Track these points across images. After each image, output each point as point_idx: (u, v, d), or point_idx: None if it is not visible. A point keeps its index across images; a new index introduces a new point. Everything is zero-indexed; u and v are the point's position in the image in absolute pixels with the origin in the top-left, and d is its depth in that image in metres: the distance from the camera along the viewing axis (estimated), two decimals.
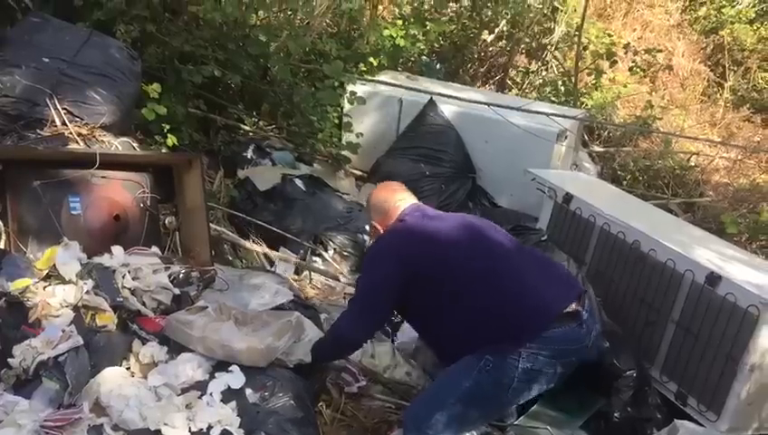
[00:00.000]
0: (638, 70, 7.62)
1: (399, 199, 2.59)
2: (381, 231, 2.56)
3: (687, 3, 9.78)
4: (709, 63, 9.30)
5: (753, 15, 9.42)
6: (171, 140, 4.17)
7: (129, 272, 2.71)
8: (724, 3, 9.53)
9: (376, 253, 2.49)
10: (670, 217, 4.18)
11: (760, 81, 9.19)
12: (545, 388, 2.43)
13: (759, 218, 5.34)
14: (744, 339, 2.79)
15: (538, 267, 2.49)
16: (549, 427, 2.89)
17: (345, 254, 4.23)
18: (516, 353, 2.30)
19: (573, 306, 2.38)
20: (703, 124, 8.34)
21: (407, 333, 3.27)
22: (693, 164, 7.00)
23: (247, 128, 5.26)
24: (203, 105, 4.92)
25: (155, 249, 3.00)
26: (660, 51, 8.33)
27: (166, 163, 3.34)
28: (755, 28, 9.27)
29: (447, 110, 5.09)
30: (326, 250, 4.22)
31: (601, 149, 6.77)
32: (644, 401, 2.97)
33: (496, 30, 7.63)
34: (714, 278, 2.93)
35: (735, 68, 9.26)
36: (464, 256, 2.39)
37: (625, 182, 6.39)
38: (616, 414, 2.95)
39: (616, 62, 7.31)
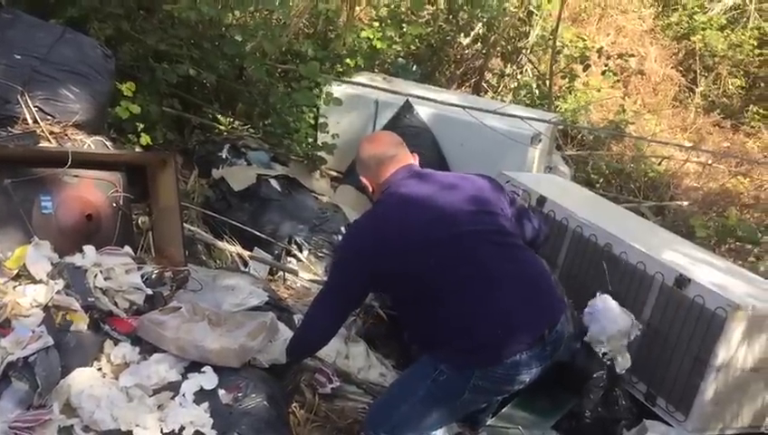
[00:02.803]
0: (611, 74, 7.73)
1: (390, 157, 2.42)
2: (371, 189, 2.46)
3: (660, 9, 9.94)
4: (681, 69, 9.46)
5: (724, 22, 9.59)
6: (145, 139, 4.13)
7: (101, 272, 2.68)
8: (695, 9, 9.70)
9: (347, 246, 2.43)
10: (642, 221, 4.24)
11: (730, 86, 9.38)
12: (500, 399, 2.44)
13: (727, 222, 5.43)
14: (712, 341, 2.84)
15: (524, 280, 2.32)
16: (520, 427, 2.92)
17: (320, 255, 4.22)
18: (470, 371, 2.23)
19: (546, 331, 2.29)
20: (674, 129, 8.49)
21: None
22: (664, 168, 7.11)
23: (222, 127, 5.24)
24: (177, 104, 4.88)
25: (127, 249, 2.97)
26: (633, 56, 8.46)
27: (139, 162, 3.31)
28: (726, 35, 9.45)
29: (423, 112, 5.11)
30: (301, 251, 4.21)
31: (575, 153, 6.85)
32: (614, 401, 3.01)
33: (472, 33, 7.69)
34: (683, 280, 2.98)
35: (706, 74, 9.43)
36: (442, 260, 2.24)
37: (598, 185, 6.46)
38: (587, 414, 2.99)
39: (589, 66, 7.42)
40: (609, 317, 3.01)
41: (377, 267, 2.27)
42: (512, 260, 2.33)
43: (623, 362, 3.00)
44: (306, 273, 4.07)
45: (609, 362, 2.99)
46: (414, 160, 2.49)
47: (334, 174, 5.47)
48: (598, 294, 3.09)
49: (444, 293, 2.24)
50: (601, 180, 6.61)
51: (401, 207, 2.34)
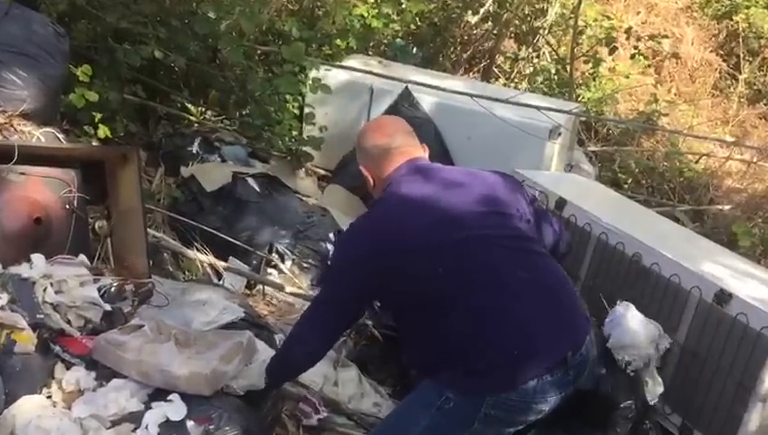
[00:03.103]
0: (642, 58, 7.73)
1: (396, 148, 2.43)
2: (371, 183, 2.45)
3: None
4: (721, 53, 9.48)
5: None
6: (103, 131, 4.12)
7: (51, 284, 2.67)
8: None
9: (341, 252, 2.41)
10: (676, 227, 4.25)
11: None
12: (512, 432, 2.42)
13: None
14: (757, 365, 2.83)
15: (545, 292, 2.30)
16: None
17: (305, 266, 4.22)
18: (481, 398, 2.21)
19: (570, 353, 2.28)
20: (714, 121, 8.51)
21: None
22: (702, 167, 7.13)
23: (193, 118, 5.23)
24: (141, 91, 4.88)
25: (82, 258, 2.97)
26: (666, 37, 8.46)
27: (97, 158, 3.31)
28: None
29: (425, 101, 5.12)
30: (283, 261, 4.21)
31: (600, 149, 6.86)
32: (644, 434, 3.02)
33: (482, 10, 7.70)
34: (723, 296, 2.98)
35: (751, 58, 9.43)
36: (448, 268, 2.24)
37: (626, 186, 6.48)
38: None
39: (616, 48, 7.41)
40: (631, 323, 3.02)
41: (375, 276, 2.26)
42: (530, 268, 2.32)
43: (654, 388, 3.00)
44: (289, 286, 4.07)
45: (632, 373, 2.98)
46: (423, 153, 2.50)
47: (322, 172, 5.47)
48: (619, 301, 3.10)
49: (451, 306, 2.23)
50: (630, 180, 6.63)
51: (402, 208, 2.33)
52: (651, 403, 3.01)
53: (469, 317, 2.22)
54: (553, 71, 7.81)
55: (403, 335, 2.50)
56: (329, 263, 2.51)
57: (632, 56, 7.66)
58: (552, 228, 2.61)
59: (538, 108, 4.81)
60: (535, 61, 8.05)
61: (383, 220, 2.34)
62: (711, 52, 9.39)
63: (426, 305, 2.26)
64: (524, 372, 2.20)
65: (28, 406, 2.29)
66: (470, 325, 2.22)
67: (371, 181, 2.47)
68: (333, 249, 2.45)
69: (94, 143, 4.07)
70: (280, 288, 4.02)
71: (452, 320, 2.23)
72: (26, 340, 2.49)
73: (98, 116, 4.16)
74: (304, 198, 4.75)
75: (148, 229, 3.57)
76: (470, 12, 7.75)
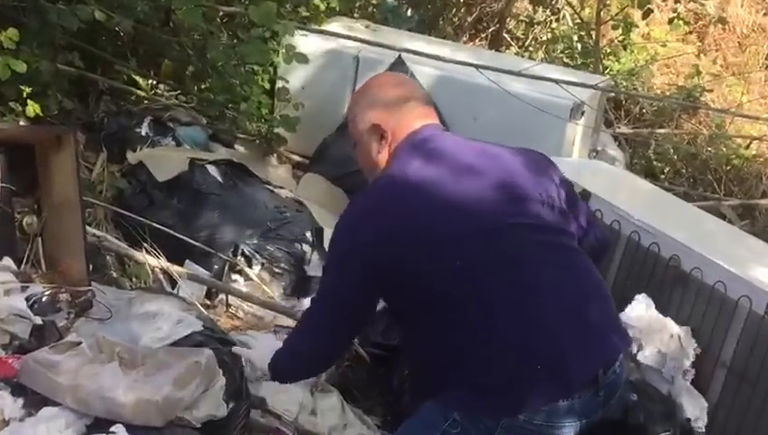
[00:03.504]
0: (681, 23, 7.75)
1: (415, 103, 2.42)
2: (385, 139, 2.38)
3: None
4: None
5: None
6: (33, 108, 4.12)
7: None
8: None
9: (343, 236, 2.35)
10: (722, 225, 4.27)
11: None
12: None
13: None
14: None
15: (578, 296, 2.30)
16: None
17: (277, 271, 4.23)
18: (494, 421, 2.20)
19: (601, 371, 2.28)
20: None
21: None
22: (753, 153, 7.15)
23: (142, 93, 5.23)
24: (78, 60, 4.86)
25: (7, 262, 2.96)
26: None
27: (25, 141, 3.30)
28: None
29: (421, 73, 5.11)
30: (250, 265, 4.22)
31: (631, 131, 6.88)
32: None
33: None
34: None
35: None
36: (464, 264, 2.22)
37: (662, 176, 6.50)
38: None
39: (651, 11, 7.41)
40: (644, 314, 3.10)
41: (381, 262, 2.24)
42: (562, 267, 2.31)
43: (692, 410, 3.03)
44: (258, 295, 4.07)
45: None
46: (438, 120, 2.49)
47: (297, 159, 5.47)
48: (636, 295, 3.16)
49: (465, 307, 2.22)
50: (667, 169, 6.65)
51: (415, 185, 2.29)
52: (692, 425, 3.04)
53: (487, 322, 2.21)
54: (575, 38, 7.83)
55: (405, 343, 2.50)
56: (324, 266, 2.48)
57: (670, 21, 7.67)
58: (588, 222, 2.58)
59: (557, 82, 4.82)
60: (554, 26, 8.07)
61: (392, 199, 2.30)
62: (764, 15, 9.42)
63: (435, 305, 2.25)
64: (549, 391, 2.19)
65: None
66: (487, 332, 2.20)
67: (387, 137, 2.39)
68: (331, 237, 2.39)
69: (22, 123, 4.06)
70: (246, 298, 4.02)
71: (466, 324, 2.21)
72: None
73: (26, 90, 4.15)
74: (276, 190, 4.73)
75: (88, 227, 3.56)
76: None
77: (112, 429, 2.38)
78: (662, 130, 7.10)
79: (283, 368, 2.52)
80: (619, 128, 6.81)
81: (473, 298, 2.21)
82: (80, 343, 2.62)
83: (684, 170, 6.75)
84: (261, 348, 2.66)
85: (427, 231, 2.22)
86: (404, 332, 2.48)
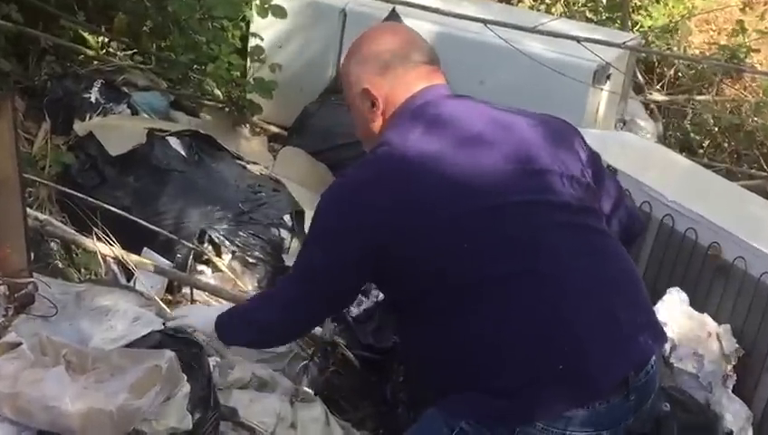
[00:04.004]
0: None
1: (415, 61, 2.44)
2: (376, 107, 2.41)
3: None
4: None
5: None
6: None
7: None
8: None
9: (332, 207, 2.35)
10: None
11: None
12: None
13: None
14: None
15: (607, 286, 2.30)
16: None
17: (251, 261, 4.24)
18: (507, 428, 2.22)
19: (632, 373, 2.29)
20: None
21: None
22: None
23: (91, 53, 5.24)
24: (17, 13, 4.86)
25: None
26: None
27: None
28: None
29: (420, 29, 5.02)
30: (219, 255, 4.24)
31: (665, 98, 6.89)
32: None
33: None
34: None
35: None
36: (475, 247, 2.23)
37: (701, 151, 6.51)
38: None
39: None
40: (677, 311, 3.12)
41: (378, 243, 2.25)
42: (588, 251, 2.32)
43: (734, 421, 3.06)
44: (228, 289, 4.08)
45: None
46: (444, 79, 2.52)
47: (274, 130, 5.49)
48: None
49: (473, 297, 2.23)
50: (706, 143, 6.66)
51: (416, 156, 2.30)
52: None
53: (498, 315, 2.22)
54: None
55: (404, 340, 2.53)
56: (307, 234, 2.47)
57: None
58: (618, 201, 2.60)
59: (578, 40, 4.82)
60: None
61: (390, 172, 2.31)
62: None
63: (438, 295, 2.26)
64: (570, 395, 2.22)
65: None
66: (499, 326, 2.22)
67: (378, 105, 2.42)
68: (317, 208, 2.37)
69: None
70: (215, 292, 4.03)
71: (474, 318, 2.23)
72: None
73: None
74: (249, 167, 4.76)
75: (29, 209, 3.56)
76: None
77: None
78: (701, 97, 7.12)
79: (234, 331, 2.58)
80: (651, 94, 6.82)
81: (481, 287, 2.23)
82: (20, 343, 2.62)
83: (725, 144, 6.77)
84: (199, 313, 2.79)
85: (430, 209, 2.23)
86: (403, 327, 2.51)
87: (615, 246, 2.40)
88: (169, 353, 2.63)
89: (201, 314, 2.77)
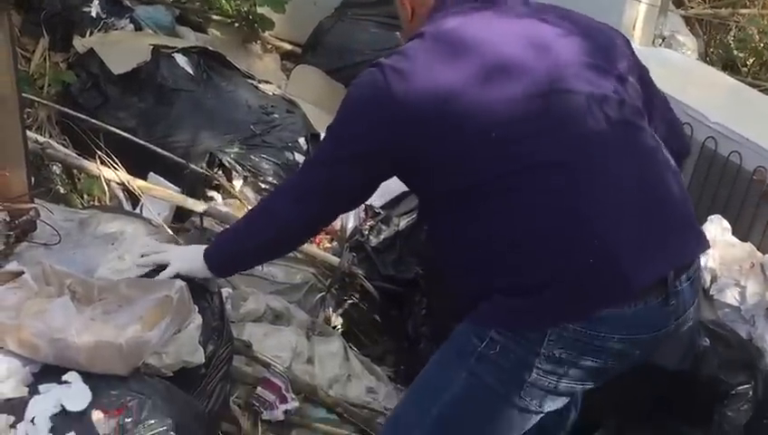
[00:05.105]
0: None
1: None
2: (408, 7, 2.47)
3: None
4: None
5: None
6: None
7: None
8: None
9: (357, 98, 2.38)
10: None
11: None
12: (579, 389, 2.43)
13: None
14: None
15: (650, 185, 2.32)
16: None
17: (264, 186, 4.23)
18: (540, 332, 2.24)
19: (672, 273, 2.30)
20: None
21: None
22: None
23: None
24: None
25: None
26: None
27: None
28: None
29: None
30: (230, 179, 4.23)
31: (707, 12, 6.80)
32: None
33: None
34: None
35: None
36: (514, 136, 2.23)
37: (746, 69, 6.44)
38: None
39: None
40: (718, 240, 3.14)
41: (401, 134, 2.26)
42: (627, 146, 2.32)
43: None
44: (240, 216, 4.07)
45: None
46: None
47: (287, 47, 5.44)
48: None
49: (499, 193, 2.24)
50: (751, 60, 6.58)
51: (453, 44, 2.31)
52: None
53: (528, 210, 2.23)
54: None
55: (435, 246, 2.55)
56: (332, 122, 2.47)
57: None
58: (666, 116, 2.60)
59: None
60: None
61: (422, 57, 2.31)
62: None
63: (466, 188, 2.27)
64: (604, 292, 2.23)
65: None
66: (528, 220, 2.23)
67: (409, 6, 2.47)
68: (345, 95, 2.40)
69: None
70: (225, 220, 4.02)
71: (502, 212, 2.25)
72: None
73: None
74: (261, 86, 4.73)
75: (28, 131, 3.54)
76: None
77: (65, 377, 2.38)
78: (746, 11, 7.00)
79: (234, 246, 2.60)
80: (692, 7, 6.73)
81: (510, 180, 2.22)
82: (22, 272, 2.62)
83: None
84: (178, 255, 2.72)
85: (459, 92, 2.22)
86: (434, 231, 2.54)
87: (658, 146, 2.38)
88: (180, 283, 2.61)
89: (180, 257, 2.73)
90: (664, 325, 2.32)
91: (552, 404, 2.37)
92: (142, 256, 2.77)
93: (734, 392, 3.00)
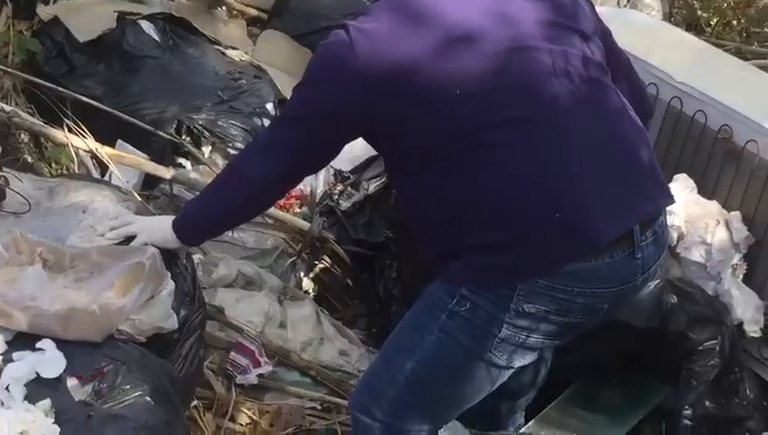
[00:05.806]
0: None
1: None
2: None
3: None
4: None
5: None
6: None
7: None
8: None
9: (324, 58, 2.39)
10: None
11: None
12: (548, 344, 2.48)
13: None
14: None
15: (613, 138, 2.36)
16: None
17: (232, 151, 4.22)
18: (509, 288, 2.29)
19: (637, 227, 2.35)
20: None
21: None
22: None
23: None
24: None
25: None
26: None
27: None
28: None
29: None
30: (198, 146, 4.24)
31: None
32: (733, 389, 3.13)
33: None
34: None
35: None
36: (479, 91, 2.26)
37: (709, 29, 6.46)
38: (687, 413, 3.09)
39: None
40: (684, 198, 3.20)
41: (367, 93, 2.28)
42: (591, 101, 2.36)
43: (744, 311, 3.10)
44: (208, 181, 4.08)
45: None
46: None
47: (253, 12, 5.43)
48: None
49: (465, 152, 2.28)
50: (715, 20, 6.60)
51: (416, 5, 2.33)
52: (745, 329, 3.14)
53: (493, 167, 2.27)
54: None
55: (405, 205, 2.57)
56: (299, 83, 2.47)
57: None
58: (629, 75, 2.64)
59: None
60: None
61: (387, 18, 2.33)
62: None
63: (433, 147, 2.30)
64: (571, 246, 2.28)
65: None
66: (494, 177, 2.27)
67: None
68: (312, 56, 2.40)
69: None
70: (194, 186, 4.02)
71: (468, 170, 2.28)
72: None
73: None
74: (228, 52, 4.73)
75: None
76: None
77: (39, 345, 2.39)
78: None
79: (197, 209, 2.63)
80: None
81: (474, 136, 2.26)
82: None
83: (735, 21, 6.70)
84: (145, 226, 2.73)
85: (421, 50, 2.24)
86: (402, 190, 2.56)
87: (622, 103, 2.43)
88: (152, 250, 2.62)
89: (149, 228, 2.74)
90: (631, 279, 2.37)
91: (522, 359, 2.43)
92: (111, 230, 2.76)
93: (701, 348, 3.06)
